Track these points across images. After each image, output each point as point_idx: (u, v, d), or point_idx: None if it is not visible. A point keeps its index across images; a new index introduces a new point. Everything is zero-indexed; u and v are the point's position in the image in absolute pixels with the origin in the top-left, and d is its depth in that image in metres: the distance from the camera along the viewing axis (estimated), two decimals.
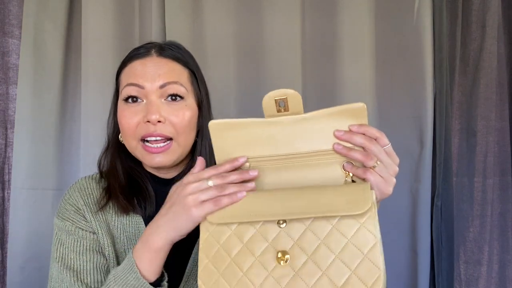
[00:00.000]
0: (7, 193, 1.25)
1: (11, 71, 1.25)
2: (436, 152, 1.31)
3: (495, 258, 1.38)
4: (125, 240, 0.77)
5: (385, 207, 1.35)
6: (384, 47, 1.33)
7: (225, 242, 0.59)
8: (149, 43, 0.80)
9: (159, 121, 0.73)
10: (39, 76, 1.22)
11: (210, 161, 0.77)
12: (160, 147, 0.73)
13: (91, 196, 0.79)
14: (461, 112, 1.38)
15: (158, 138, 0.73)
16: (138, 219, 0.78)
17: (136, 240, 0.77)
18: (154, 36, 1.26)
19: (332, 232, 0.55)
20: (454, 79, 1.36)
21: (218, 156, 0.64)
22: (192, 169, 0.64)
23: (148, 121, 0.72)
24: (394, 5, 1.32)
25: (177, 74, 0.76)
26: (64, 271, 0.71)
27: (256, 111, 1.31)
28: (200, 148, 0.79)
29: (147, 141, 0.74)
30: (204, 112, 0.80)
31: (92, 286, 0.71)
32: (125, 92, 0.75)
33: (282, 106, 0.58)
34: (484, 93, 1.34)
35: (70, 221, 0.76)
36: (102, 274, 0.73)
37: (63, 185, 1.26)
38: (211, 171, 0.62)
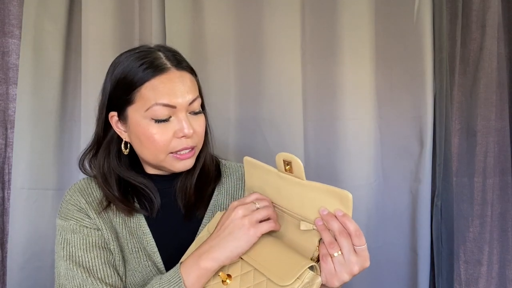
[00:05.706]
0: (7, 193, 1.25)
1: (11, 71, 1.25)
2: (436, 152, 1.31)
3: (495, 258, 1.38)
4: (127, 234, 0.80)
5: (385, 207, 1.36)
6: (384, 48, 1.33)
7: None
8: (152, 49, 0.78)
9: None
10: (39, 76, 1.22)
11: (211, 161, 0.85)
12: (188, 152, 0.77)
13: (92, 196, 0.81)
14: (461, 112, 1.38)
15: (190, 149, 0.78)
16: (139, 216, 0.81)
17: (138, 234, 0.80)
18: (154, 36, 1.26)
19: (262, 283, 0.64)
20: (454, 79, 1.35)
21: (246, 184, 0.79)
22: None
23: (183, 136, 0.75)
24: (394, 6, 1.32)
25: (195, 86, 0.79)
26: (75, 268, 0.73)
27: (256, 111, 1.31)
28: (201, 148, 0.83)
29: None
30: (206, 115, 0.83)
31: (106, 281, 0.73)
32: (158, 112, 0.74)
33: (287, 166, 0.68)
34: (484, 93, 1.34)
35: (74, 220, 0.78)
36: (111, 268, 0.76)
37: (63, 185, 1.26)
38: (252, 196, 0.71)
